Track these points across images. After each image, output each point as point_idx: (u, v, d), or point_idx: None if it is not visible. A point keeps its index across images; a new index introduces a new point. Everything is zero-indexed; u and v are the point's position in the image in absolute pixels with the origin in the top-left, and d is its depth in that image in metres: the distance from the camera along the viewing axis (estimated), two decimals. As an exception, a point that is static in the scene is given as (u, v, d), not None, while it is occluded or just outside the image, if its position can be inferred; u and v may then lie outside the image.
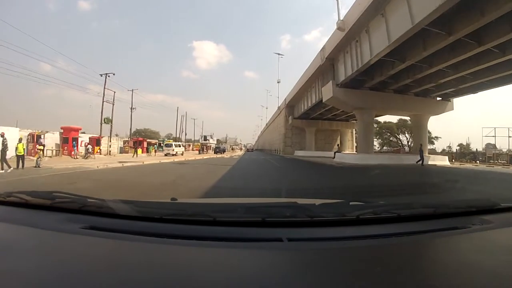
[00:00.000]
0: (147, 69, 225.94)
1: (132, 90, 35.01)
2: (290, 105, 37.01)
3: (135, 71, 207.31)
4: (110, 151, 29.61)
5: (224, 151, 40.05)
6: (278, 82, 50.87)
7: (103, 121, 29.23)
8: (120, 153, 32.07)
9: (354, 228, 0.87)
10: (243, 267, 0.62)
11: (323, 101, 20.59)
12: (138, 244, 0.71)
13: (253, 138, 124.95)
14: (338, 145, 27.27)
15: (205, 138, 41.96)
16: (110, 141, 30.06)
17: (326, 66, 20.67)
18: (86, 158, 20.55)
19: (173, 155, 27.92)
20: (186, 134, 49.00)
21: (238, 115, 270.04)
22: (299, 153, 34.08)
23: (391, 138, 59.75)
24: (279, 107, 44.57)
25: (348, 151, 38.01)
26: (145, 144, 33.18)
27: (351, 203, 1.06)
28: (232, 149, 66.89)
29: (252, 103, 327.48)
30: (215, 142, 50.04)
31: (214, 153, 37.84)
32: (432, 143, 57.12)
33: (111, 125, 30.16)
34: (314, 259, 0.67)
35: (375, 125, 53.30)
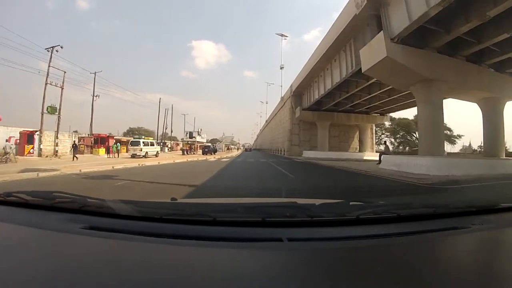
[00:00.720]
0: (147, 69, 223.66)
1: (95, 72, 27.38)
2: (297, 93, 29.14)
3: (134, 71, 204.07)
4: (57, 151, 21.92)
5: (215, 151, 32.29)
6: (281, 68, 42.80)
7: (46, 111, 21.54)
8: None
9: (354, 228, 0.86)
10: (243, 267, 0.62)
11: (364, 70, 12.85)
12: (138, 244, 0.70)
13: (252, 138, 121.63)
14: (385, 142, 19.29)
15: (191, 135, 33.88)
16: (58, 138, 22.28)
17: (365, 17, 13.02)
18: (3, 161, 13.51)
19: (143, 156, 20.32)
20: (172, 131, 41.37)
21: (237, 114, 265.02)
22: (309, 154, 26.34)
23: (407, 137, 52.73)
24: (282, 98, 36.64)
25: (369, 151, 30.40)
26: (111, 142, 25.49)
27: (351, 203, 1.04)
28: (228, 148, 58.99)
29: (252, 102, 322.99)
30: (205, 141, 42.06)
31: (203, 153, 30.19)
32: (453, 142, 50.00)
33: (59, 117, 22.44)
34: (314, 259, 0.67)
35: (388, 123, 46.15)
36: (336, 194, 5.68)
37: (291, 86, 30.25)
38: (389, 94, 23.53)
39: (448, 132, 47.47)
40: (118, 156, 21.61)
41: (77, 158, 16.15)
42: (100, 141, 25.15)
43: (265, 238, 0.76)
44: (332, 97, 23.64)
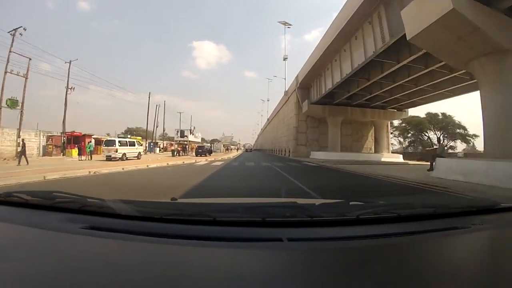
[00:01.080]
0: (148, 69, 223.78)
1: (70, 61, 23.66)
2: (304, 85, 25.24)
3: (135, 71, 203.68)
4: (18, 152, 18.22)
5: (210, 152, 28.44)
6: (284, 59, 38.63)
7: (5, 104, 17.90)
8: (43, 155, 20.75)
9: (354, 228, 0.85)
10: (243, 267, 0.62)
11: (410, 37, 8.95)
12: (138, 244, 0.70)
13: (252, 138, 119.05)
14: (438, 139, 14.23)
15: (182, 134, 30.03)
16: (20, 137, 18.59)
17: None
18: None
19: (119, 159, 16.72)
20: (164, 130, 37.63)
21: (238, 115, 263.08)
22: (319, 155, 22.50)
23: (419, 137, 48.68)
24: (286, 92, 32.70)
25: (385, 152, 26.57)
26: (88, 142, 21.78)
27: (351, 203, 1.02)
28: (227, 149, 55.06)
29: (252, 103, 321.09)
30: (199, 140, 38.17)
31: (196, 154, 26.49)
32: (468, 142, 45.97)
33: (21, 112, 18.81)
34: (314, 259, 0.67)
35: (398, 121, 42.17)
36: (336, 194, 5.71)
37: (296, 77, 26.23)
38: (417, 83, 19.72)
39: (463, 131, 43.62)
40: (91, 158, 17.94)
41: (27, 162, 12.38)
42: (73, 140, 21.42)
43: (265, 238, 0.76)
44: (348, 87, 19.83)
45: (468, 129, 43.60)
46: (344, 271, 0.62)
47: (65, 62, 24.32)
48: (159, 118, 33.14)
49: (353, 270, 0.61)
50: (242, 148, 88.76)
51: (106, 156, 17.27)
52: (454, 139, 44.32)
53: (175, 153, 26.70)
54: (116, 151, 17.04)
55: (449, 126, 44.43)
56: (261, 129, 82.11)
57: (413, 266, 0.64)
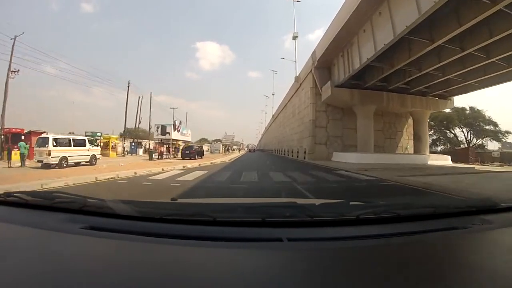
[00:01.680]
0: (150, 71, 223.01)
1: (15, 37, 18.01)
2: (324, 64, 18.79)
3: (138, 73, 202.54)
4: None
5: (201, 154, 22.52)
6: (294, 38, 32.33)
7: None
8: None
9: (354, 228, 0.86)
10: (243, 267, 0.62)
11: None
12: (138, 244, 0.70)
13: (256, 138, 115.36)
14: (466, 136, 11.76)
15: (164, 131, 24.10)
16: None
17: None
18: None
19: (55, 165, 11.18)
20: (150, 128, 31.81)
21: (241, 115, 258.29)
22: (346, 158, 16.36)
23: (446, 134, 42.32)
24: (297, 78, 26.33)
25: (427, 152, 20.42)
26: (35, 141, 16.10)
27: (351, 203, 1.03)
28: (227, 149, 48.93)
29: (256, 103, 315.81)
30: (189, 139, 32.23)
31: (182, 157, 20.68)
32: (500, 140, 39.59)
33: None
34: (314, 259, 0.67)
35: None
36: (336, 194, 5.61)
37: (313, 53, 19.67)
38: (489, 53, 13.63)
39: (493, 128, 37.24)
40: (24, 164, 12.29)
41: None
42: (12, 139, 15.71)
43: (265, 238, 0.76)
44: (391, 59, 13.75)
45: (499, 126, 37.33)
46: (344, 271, 0.61)
47: (11, 39, 18.83)
48: (138, 111, 27.33)
49: (353, 270, 0.61)
50: (245, 148, 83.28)
51: (38, 160, 11.56)
52: (482, 137, 38.09)
53: (157, 156, 20.92)
54: (49, 154, 11.27)
55: (476, 122, 38.25)
56: (265, 127, 76.15)
57: (413, 266, 0.64)
